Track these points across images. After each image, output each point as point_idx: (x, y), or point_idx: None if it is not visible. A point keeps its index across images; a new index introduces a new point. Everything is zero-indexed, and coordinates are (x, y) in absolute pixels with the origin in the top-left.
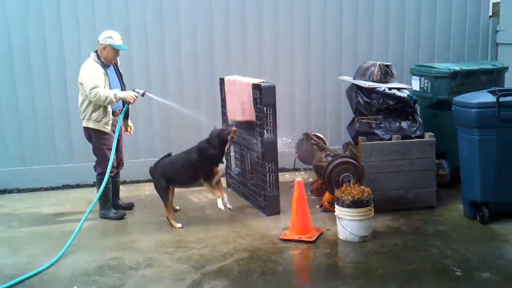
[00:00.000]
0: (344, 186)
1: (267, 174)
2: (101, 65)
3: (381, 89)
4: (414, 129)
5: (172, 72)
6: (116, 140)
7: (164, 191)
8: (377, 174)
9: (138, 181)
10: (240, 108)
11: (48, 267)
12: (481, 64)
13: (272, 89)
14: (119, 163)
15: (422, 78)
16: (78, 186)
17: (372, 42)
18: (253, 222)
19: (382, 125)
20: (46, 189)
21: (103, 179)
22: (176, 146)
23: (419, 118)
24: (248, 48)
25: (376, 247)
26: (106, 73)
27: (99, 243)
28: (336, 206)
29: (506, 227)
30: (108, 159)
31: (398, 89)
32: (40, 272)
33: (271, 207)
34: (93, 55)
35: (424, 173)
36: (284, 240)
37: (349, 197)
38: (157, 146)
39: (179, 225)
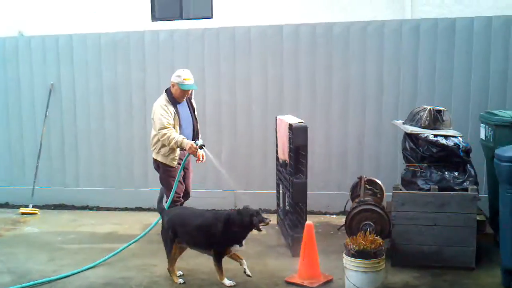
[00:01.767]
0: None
1: (295, 215)
2: (172, 102)
3: (423, 136)
4: (461, 180)
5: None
6: (180, 173)
7: (168, 242)
8: (409, 226)
9: None
10: (282, 147)
11: (61, 278)
12: None
13: (303, 130)
14: (185, 194)
15: (486, 126)
16: (149, 209)
17: (434, 85)
18: (273, 261)
19: (423, 174)
20: (121, 209)
21: (170, 205)
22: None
23: (472, 169)
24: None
25: None
26: (177, 111)
27: (122, 262)
28: (344, 254)
29: None
30: (177, 189)
31: (445, 136)
32: (51, 280)
33: (296, 248)
34: (164, 94)
35: (463, 229)
36: (288, 282)
37: (354, 246)
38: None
39: (181, 280)
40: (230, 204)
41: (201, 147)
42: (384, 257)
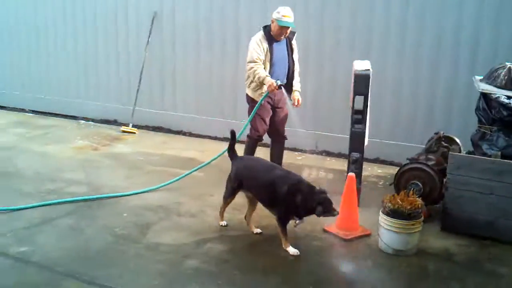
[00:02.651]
0: (411, 192)
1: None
2: (268, 39)
3: (495, 96)
4: None
5: None
6: (256, 109)
7: (230, 189)
8: (463, 192)
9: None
10: (350, 94)
11: (125, 195)
12: None
13: (365, 78)
14: (276, 134)
15: None
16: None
17: None
18: None
19: (490, 138)
20: (211, 137)
21: (249, 141)
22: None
23: None
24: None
25: (393, 267)
26: (271, 49)
27: (183, 189)
28: (380, 211)
29: None
30: (256, 125)
31: None
32: (115, 196)
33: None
34: (262, 30)
35: None
36: (325, 231)
37: (389, 204)
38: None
39: (223, 223)
40: (311, 145)
41: (280, 86)
42: (421, 219)
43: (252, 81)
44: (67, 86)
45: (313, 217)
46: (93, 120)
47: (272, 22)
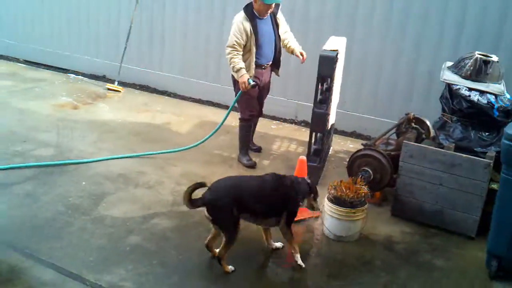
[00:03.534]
0: (358, 179)
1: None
2: (251, 19)
3: (455, 87)
4: (487, 143)
5: None
6: (240, 94)
7: (233, 223)
8: (414, 180)
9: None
10: None
11: (85, 162)
12: None
13: (329, 60)
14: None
15: None
16: (218, 104)
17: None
18: None
19: (448, 128)
20: (195, 100)
21: (243, 124)
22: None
23: None
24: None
25: (331, 253)
26: (255, 29)
27: (151, 159)
28: (326, 197)
29: None
30: (246, 106)
31: (482, 92)
32: (79, 163)
33: (310, 176)
34: (242, 11)
35: (469, 196)
36: None
37: (333, 191)
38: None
39: (231, 267)
40: (291, 114)
41: (253, 86)
42: (363, 207)
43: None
44: (59, 39)
45: None
46: (83, 75)
47: (255, 2)
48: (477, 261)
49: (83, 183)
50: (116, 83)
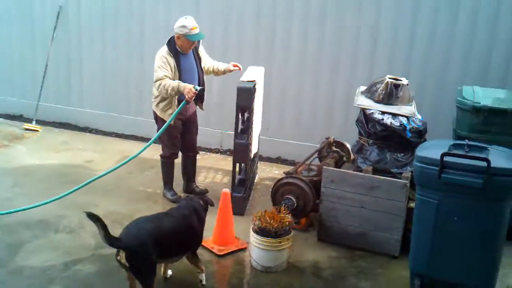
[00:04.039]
0: (281, 208)
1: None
2: (174, 54)
3: (369, 111)
4: (402, 163)
5: None
6: (166, 126)
7: (152, 270)
8: (337, 204)
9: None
10: None
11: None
12: None
13: (247, 91)
14: (190, 149)
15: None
16: (142, 138)
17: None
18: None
19: (365, 151)
20: (118, 134)
21: (164, 161)
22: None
23: None
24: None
25: (259, 285)
26: (178, 64)
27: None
28: (251, 229)
29: None
30: (168, 143)
31: (394, 115)
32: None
33: (236, 207)
34: (165, 46)
35: (390, 216)
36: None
37: (257, 222)
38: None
39: None
40: (216, 144)
41: (200, 91)
42: (289, 236)
43: (160, 101)
44: None
45: None
46: None
47: (178, 38)
48: (401, 281)
49: None
50: (34, 122)
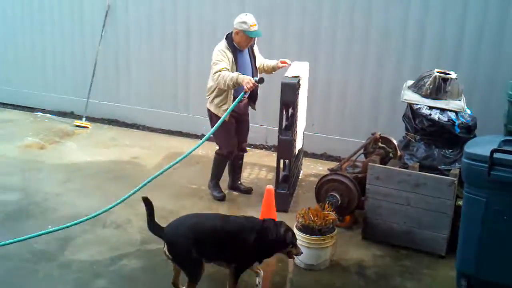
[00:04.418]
0: (326, 205)
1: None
2: (233, 50)
3: (416, 107)
4: (450, 160)
5: None
6: (221, 121)
7: (194, 264)
8: (382, 202)
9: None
10: None
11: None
12: None
13: (291, 86)
14: (239, 149)
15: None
16: (188, 134)
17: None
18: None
19: (411, 148)
20: (164, 131)
21: (218, 159)
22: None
23: None
24: None
25: (300, 283)
26: (236, 59)
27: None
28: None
29: None
30: (225, 141)
31: (442, 110)
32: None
33: (280, 204)
34: (224, 40)
35: (436, 214)
36: None
37: (301, 219)
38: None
39: None
40: (261, 139)
41: (260, 81)
42: (332, 234)
43: (216, 96)
44: (26, 78)
45: None
46: (50, 112)
47: (237, 33)
48: (447, 281)
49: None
50: (84, 119)
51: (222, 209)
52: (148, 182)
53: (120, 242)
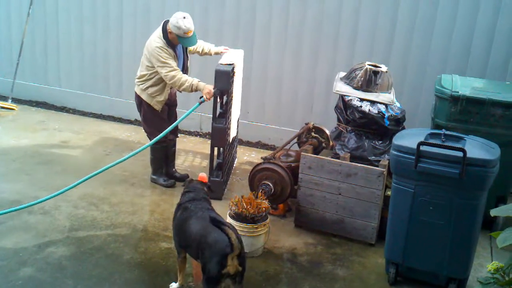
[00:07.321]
0: (259, 193)
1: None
2: (170, 45)
3: (348, 98)
4: (380, 151)
5: None
6: (180, 121)
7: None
8: (314, 191)
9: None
10: None
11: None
12: (500, 91)
13: (226, 74)
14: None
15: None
16: (120, 120)
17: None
18: None
19: (343, 138)
20: (96, 115)
21: (159, 148)
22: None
23: None
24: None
25: None
26: (175, 53)
27: (46, 181)
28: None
29: None
30: (158, 129)
31: (372, 102)
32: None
33: (215, 192)
34: (161, 34)
35: (366, 204)
36: None
37: (234, 207)
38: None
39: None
40: (196, 126)
41: (217, 93)
42: (265, 222)
43: (151, 85)
44: None
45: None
46: None
47: (170, 33)
48: (377, 268)
49: None
50: (10, 100)
51: (154, 196)
52: (99, 173)
53: (47, 229)
